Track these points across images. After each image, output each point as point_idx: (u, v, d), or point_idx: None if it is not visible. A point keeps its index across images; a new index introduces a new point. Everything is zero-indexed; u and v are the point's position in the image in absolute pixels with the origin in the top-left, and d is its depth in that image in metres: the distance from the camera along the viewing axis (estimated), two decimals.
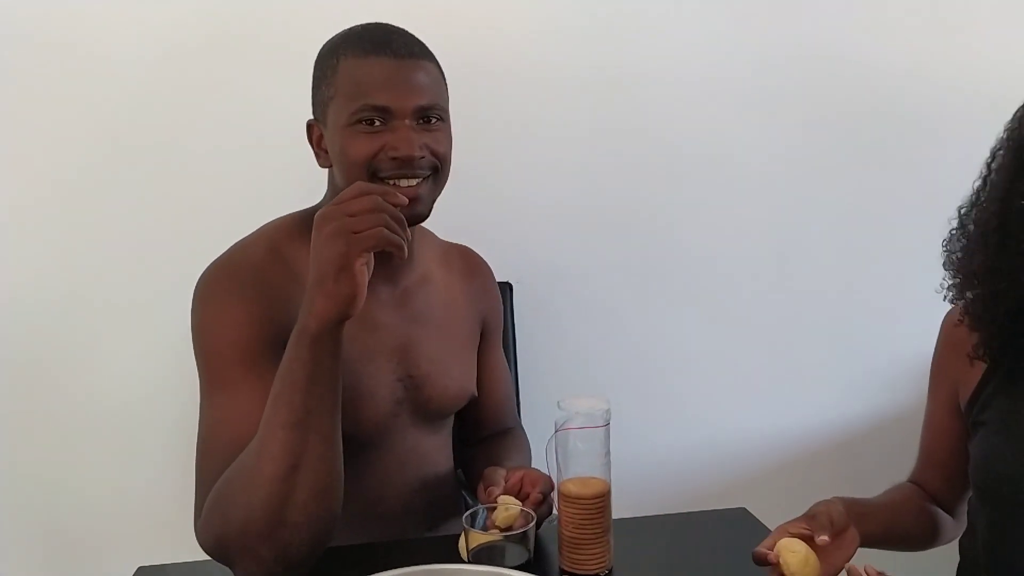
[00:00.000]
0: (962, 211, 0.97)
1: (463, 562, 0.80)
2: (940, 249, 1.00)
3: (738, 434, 1.49)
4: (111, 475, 1.34)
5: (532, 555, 0.81)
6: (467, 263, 1.12)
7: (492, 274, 1.16)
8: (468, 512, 0.83)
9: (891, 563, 0.95)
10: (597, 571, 0.85)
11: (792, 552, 0.77)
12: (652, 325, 1.48)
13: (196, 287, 0.91)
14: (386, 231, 0.73)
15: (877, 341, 1.56)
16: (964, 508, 1.02)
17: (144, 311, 1.33)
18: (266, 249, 0.92)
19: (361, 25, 0.93)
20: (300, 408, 0.74)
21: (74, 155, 1.29)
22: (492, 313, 1.14)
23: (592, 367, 1.45)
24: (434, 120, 0.91)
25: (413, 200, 0.87)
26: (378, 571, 0.62)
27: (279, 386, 0.75)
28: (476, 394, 1.08)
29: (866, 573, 0.77)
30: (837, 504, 0.86)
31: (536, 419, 1.19)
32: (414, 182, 0.89)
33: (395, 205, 0.76)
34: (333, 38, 0.93)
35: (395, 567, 0.63)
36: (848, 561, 0.84)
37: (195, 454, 0.85)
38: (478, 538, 0.80)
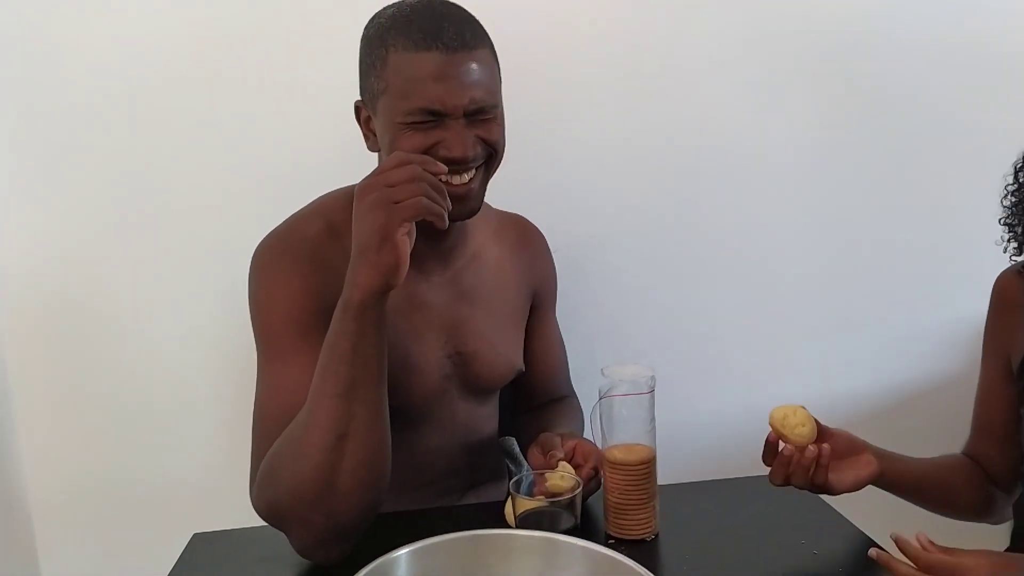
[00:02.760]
0: (1018, 166, 0.94)
1: (509, 528, 0.82)
2: (991, 207, 0.97)
3: (783, 400, 1.47)
4: (166, 441, 1.37)
5: (579, 521, 0.81)
6: (520, 234, 1.11)
7: (546, 243, 1.15)
8: (513, 479, 0.84)
9: (945, 532, 0.94)
10: (643, 536, 0.85)
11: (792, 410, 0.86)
12: (695, 293, 1.46)
13: (252, 258, 0.92)
14: (426, 200, 0.73)
15: (925, 304, 1.52)
16: (1017, 483, 1.00)
17: (194, 280, 1.34)
18: (321, 223, 0.92)
19: (410, 5, 0.88)
20: (346, 378, 0.74)
21: (111, 126, 1.30)
22: (544, 283, 1.14)
23: (636, 335, 1.44)
24: (487, 114, 0.88)
25: (465, 196, 0.88)
26: (425, 537, 0.63)
27: (325, 357, 0.76)
28: (523, 369, 1.08)
29: (917, 541, 0.76)
30: (855, 437, 0.90)
31: (580, 388, 1.19)
32: (467, 177, 0.88)
33: (435, 174, 0.75)
34: (381, 18, 0.89)
35: (442, 533, 0.64)
36: (858, 482, 0.87)
37: (251, 421, 0.87)
38: (525, 504, 0.81)
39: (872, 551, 0.77)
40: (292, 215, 0.95)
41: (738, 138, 1.43)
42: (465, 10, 0.90)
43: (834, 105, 1.45)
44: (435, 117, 0.84)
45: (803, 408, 0.88)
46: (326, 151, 1.30)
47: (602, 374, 0.86)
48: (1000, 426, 0.99)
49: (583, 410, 1.16)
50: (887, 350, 1.54)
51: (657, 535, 0.87)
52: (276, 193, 1.29)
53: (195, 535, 0.90)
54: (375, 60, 0.87)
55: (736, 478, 1.02)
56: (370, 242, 0.73)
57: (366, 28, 0.91)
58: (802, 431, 0.85)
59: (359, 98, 0.93)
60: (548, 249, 1.16)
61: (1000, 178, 0.98)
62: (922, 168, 1.48)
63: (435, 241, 0.94)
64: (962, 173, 1.47)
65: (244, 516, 0.86)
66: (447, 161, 0.82)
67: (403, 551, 0.61)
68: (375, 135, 0.92)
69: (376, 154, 0.95)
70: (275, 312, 0.88)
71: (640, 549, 0.84)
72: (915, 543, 0.76)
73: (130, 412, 1.36)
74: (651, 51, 1.39)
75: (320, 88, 1.30)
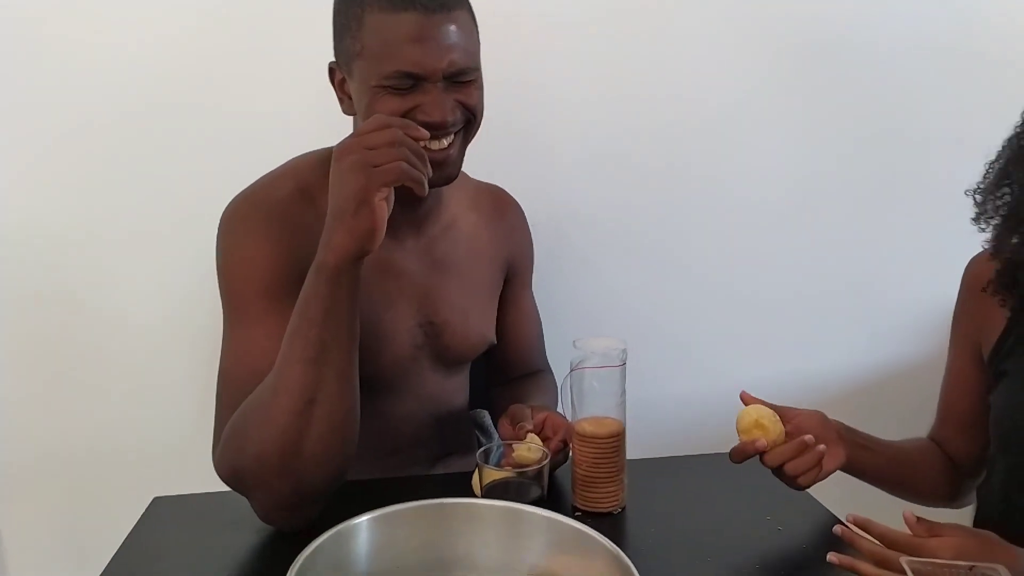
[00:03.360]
0: (1001, 158, 0.94)
1: (476, 497, 0.81)
2: (963, 195, 0.96)
3: (753, 379, 1.48)
4: (127, 405, 1.35)
5: (545, 493, 0.81)
6: (496, 204, 1.09)
7: (522, 215, 1.13)
8: (482, 449, 0.83)
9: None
10: (610, 509, 0.85)
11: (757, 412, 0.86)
12: (670, 269, 1.45)
13: (221, 220, 0.89)
14: (405, 165, 0.71)
15: (895, 289, 1.54)
16: (981, 469, 1.01)
17: (162, 243, 1.31)
18: (292, 185, 0.90)
19: None
20: (316, 343, 0.73)
21: (95, 92, 1.26)
22: (520, 255, 1.12)
23: (609, 309, 1.43)
24: (467, 76, 0.85)
25: (443, 162, 0.86)
26: (390, 504, 0.62)
27: (296, 321, 0.74)
28: (495, 341, 1.07)
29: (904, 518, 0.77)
30: (827, 420, 0.90)
31: (553, 362, 1.19)
32: (445, 142, 0.86)
33: (416, 139, 0.73)
34: None
35: (407, 501, 0.63)
36: (821, 476, 0.85)
37: (215, 385, 0.85)
38: (492, 475, 0.80)
39: (837, 527, 0.77)
40: (261, 177, 0.92)
41: (714, 121, 1.42)
42: None
43: (808, 88, 1.44)
44: (413, 80, 0.82)
45: (769, 411, 0.87)
46: (307, 131, 1.27)
47: (574, 346, 0.85)
48: (966, 412, 1.00)
49: (557, 384, 1.16)
50: (856, 332, 1.55)
51: (624, 508, 0.87)
52: (249, 156, 1.26)
53: (155, 498, 0.88)
54: (350, 20, 0.84)
55: (703, 454, 1.02)
56: (347, 206, 0.71)
57: None
58: (771, 437, 0.85)
59: (332, 60, 0.90)
60: (525, 221, 1.14)
61: (976, 163, 0.98)
62: (896, 150, 1.49)
63: (410, 207, 0.92)
64: (937, 156, 1.48)
65: (205, 480, 0.85)
66: (425, 126, 0.79)
67: (364, 518, 0.60)
68: (350, 98, 0.89)
69: (352, 118, 0.92)
70: (243, 275, 0.85)
71: (607, 522, 0.84)
72: (879, 524, 0.76)
73: (91, 377, 1.33)
74: (636, 34, 1.37)
75: (298, 60, 1.27)
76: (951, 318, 1.03)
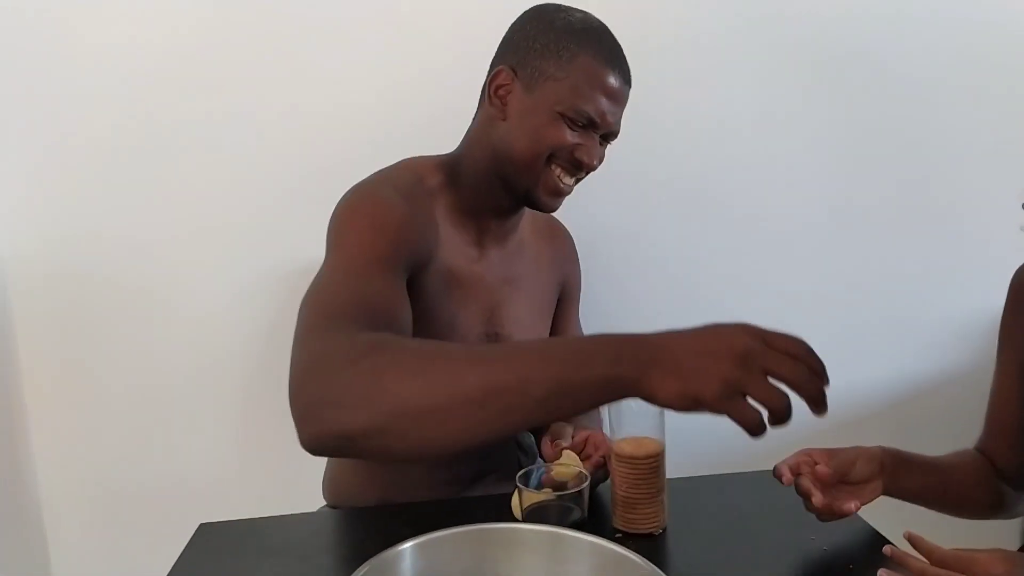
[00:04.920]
0: None
1: (516, 521, 0.81)
2: (1012, 198, 0.94)
3: (794, 394, 1.46)
4: (173, 435, 1.37)
5: (586, 514, 0.81)
6: (551, 227, 1.14)
7: (572, 240, 1.18)
8: (522, 472, 0.83)
9: (955, 530, 0.93)
10: (651, 530, 0.85)
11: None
12: (707, 283, 1.45)
13: (342, 198, 0.89)
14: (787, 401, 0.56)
15: (942, 296, 1.51)
16: None
17: (203, 274, 1.34)
18: (413, 177, 0.93)
19: (598, 23, 0.94)
20: (517, 391, 0.58)
21: (126, 108, 1.29)
22: (571, 278, 1.17)
23: (646, 327, 1.43)
24: (609, 140, 0.97)
25: (563, 196, 0.95)
26: (431, 529, 0.62)
27: (535, 359, 0.60)
28: None
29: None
30: (875, 455, 0.89)
31: None
32: (571, 182, 0.95)
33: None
34: (571, 17, 0.92)
35: (448, 526, 0.63)
36: (856, 506, 0.84)
37: (303, 310, 0.73)
38: (532, 497, 0.80)
39: (887, 548, 0.76)
40: (376, 172, 0.94)
41: (749, 130, 1.42)
42: None
43: (848, 94, 1.43)
44: (587, 123, 0.91)
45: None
46: (348, 137, 1.31)
47: None
48: (1014, 423, 0.97)
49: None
50: (902, 341, 1.52)
51: (665, 529, 0.86)
52: (297, 178, 1.29)
53: (201, 525, 0.90)
54: (561, 49, 0.90)
55: (745, 472, 1.01)
56: (708, 369, 0.55)
57: (547, 14, 0.93)
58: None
59: (502, 63, 0.93)
60: (574, 245, 1.18)
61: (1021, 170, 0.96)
62: (937, 158, 1.47)
63: (502, 219, 0.99)
64: (980, 164, 1.45)
65: (251, 508, 0.86)
66: (578, 164, 0.92)
67: (408, 544, 0.60)
68: (504, 103, 0.92)
69: (483, 127, 0.95)
70: (368, 224, 0.84)
71: (648, 544, 0.83)
72: (928, 541, 0.75)
73: (136, 406, 1.36)
74: (656, 48, 1.37)
75: (341, 76, 1.30)
76: (997, 328, 1.01)
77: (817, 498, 0.82)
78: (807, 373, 0.57)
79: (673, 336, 0.59)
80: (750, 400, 0.56)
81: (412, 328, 0.83)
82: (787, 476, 0.84)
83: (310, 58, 1.31)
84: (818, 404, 0.57)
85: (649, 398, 0.58)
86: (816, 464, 0.85)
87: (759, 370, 0.56)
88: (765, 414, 0.56)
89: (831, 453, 0.88)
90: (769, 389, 0.55)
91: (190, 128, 1.30)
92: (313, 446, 0.62)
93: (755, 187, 1.44)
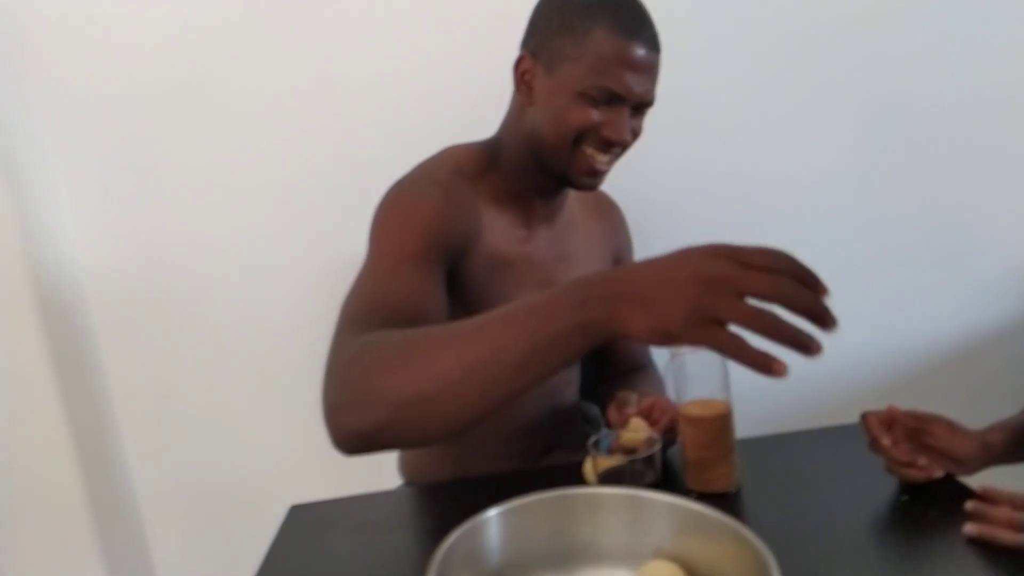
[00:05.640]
0: None
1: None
2: None
3: (859, 348, 1.44)
4: (259, 419, 1.44)
5: (659, 476, 0.82)
6: (600, 202, 1.14)
7: (622, 213, 1.18)
8: (592, 439, 0.85)
9: None
10: (725, 490, 0.86)
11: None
12: (765, 241, 1.43)
13: (385, 194, 0.91)
14: (781, 321, 0.50)
15: (991, 250, 1.47)
16: None
17: (282, 258, 1.39)
18: (452, 166, 0.95)
19: None
20: (493, 360, 0.60)
21: (192, 107, 1.35)
22: (623, 251, 1.17)
23: None
24: (644, 109, 0.93)
25: (601, 174, 0.94)
26: (510, 499, 0.65)
27: (500, 324, 0.61)
28: None
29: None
30: (987, 445, 0.84)
31: (655, 350, 1.20)
32: (606, 160, 0.92)
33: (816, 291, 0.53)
34: None
35: (526, 494, 0.65)
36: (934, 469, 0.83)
37: (339, 314, 0.78)
38: (604, 463, 0.82)
39: (969, 504, 0.75)
40: (419, 164, 0.97)
41: (812, 78, 1.39)
42: None
43: (899, 28, 1.39)
44: (611, 98, 0.88)
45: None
46: (393, 127, 1.34)
47: None
48: None
49: (662, 377, 1.17)
50: (961, 294, 1.48)
51: (739, 488, 0.87)
52: (367, 171, 1.32)
53: (292, 507, 0.94)
54: (575, 27, 0.88)
55: (816, 428, 1.01)
56: (672, 297, 0.52)
57: None
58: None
59: (525, 48, 0.94)
60: (623, 216, 1.18)
61: None
62: (1006, 106, 1.41)
63: (547, 199, 0.99)
64: None
65: (331, 490, 0.90)
66: (607, 142, 0.89)
67: (493, 512, 0.63)
68: (530, 87, 0.93)
69: (516, 113, 0.96)
70: (398, 224, 0.87)
71: (722, 503, 0.84)
72: (1003, 489, 0.74)
73: (216, 397, 1.43)
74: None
75: (382, 68, 1.33)
76: None
77: (885, 441, 0.82)
78: (793, 285, 0.50)
79: (637, 267, 0.56)
80: (734, 328, 0.50)
81: (448, 318, 0.87)
82: (874, 425, 0.84)
83: (349, 51, 1.33)
84: (818, 318, 0.50)
85: (624, 336, 0.55)
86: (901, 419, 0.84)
87: (732, 291, 0.50)
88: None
89: (919, 419, 0.84)
90: (744, 309, 0.50)
91: (245, 130, 1.35)
92: (342, 447, 0.67)
93: (806, 136, 1.42)
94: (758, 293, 0.50)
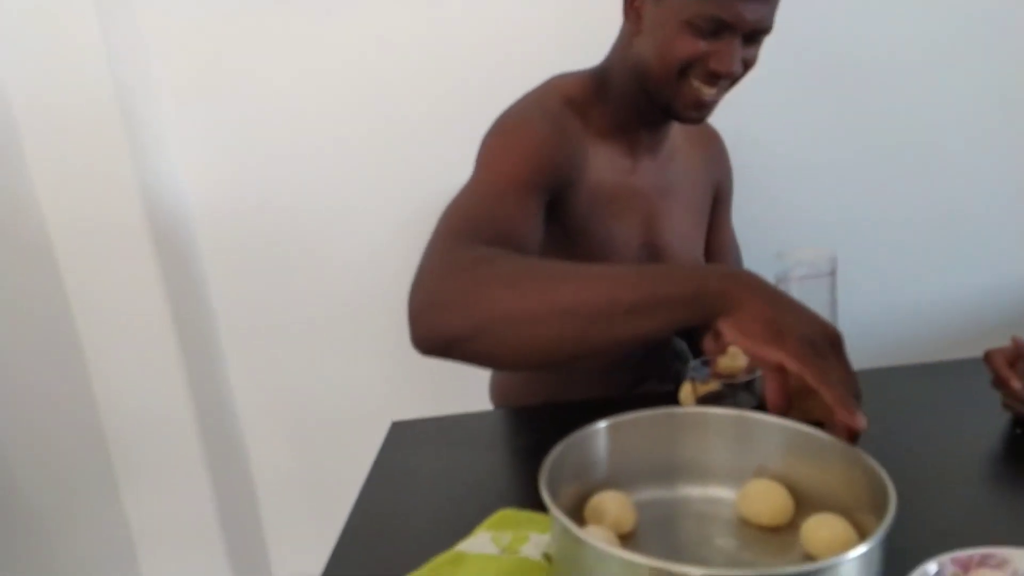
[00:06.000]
0: None
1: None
2: None
3: (970, 284, 1.37)
4: (356, 345, 1.49)
5: (758, 403, 0.82)
6: (702, 131, 1.11)
7: (722, 141, 1.15)
8: (689, 364, 0.85)
9: None
10: (825, 419, 0.84)
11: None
12: (874, 176, 1.38)
13: (487, 133, 0.91)
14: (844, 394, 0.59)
15: None
16: None
17: (379, 198, 1.43)
18: (561, 98, 0.94)
19: None
20: (605, 305, 0.63)
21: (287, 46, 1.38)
22: (724, 180, 1.15)
23: (815, 220, 1.39)
24: (760, 36, 0.88)
25: (709, 106, 0.91)
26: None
27: (616, 273, 0.65)
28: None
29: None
30: None
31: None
32: (714, 92, 0.89)
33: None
34: None
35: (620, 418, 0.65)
36: None
37: (438, 224, 0.78)
38: (703, 388, 0.82)
39: None
40: (525, 95, 0.96)
41: (917, 26, 1.30)
42: None
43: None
44: (720, 27, 0.84)
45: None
46: (496, 59, 1.33)
47: (777, 258, 0.84)
48: None
49: None
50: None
51: None
52: (468, 105, 1.32)
53: (394, 423, 0.98)
54: None
55: (925, 363, 0.97)
56: (788, 321, 0.61)
57: None
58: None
59: None
60: (725, 147, 1.15)
61: None
62: None
63: (653, 130, 0.97)
64: None
65: (435, 408, 0.93)
66: (714, 74, 0.86)
67: (602, 424, 0.64)
68: (639, 17, 0.90)
69: (624, 41, 0.93)
70: (506, 150, 0.86)
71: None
72: None
73: (321, 323, 1.49)
74: None
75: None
76: None
77: (1016, 384, 0.78)
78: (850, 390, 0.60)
79: (769, 290, 0.63)
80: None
81: (550, 250, 0.89)
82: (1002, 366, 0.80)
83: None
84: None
85: (721, 324, 0.63)
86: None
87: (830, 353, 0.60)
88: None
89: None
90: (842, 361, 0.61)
91: (348, 69, 1.38)
92: (422, 346, 0.69)
93: (915, 79, 1.33)
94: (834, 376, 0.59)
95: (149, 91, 1.38)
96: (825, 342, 0.61)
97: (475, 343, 0.66)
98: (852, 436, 0.59)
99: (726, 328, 0.63)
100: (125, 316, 1.40)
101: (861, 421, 0.58)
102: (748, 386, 0.82)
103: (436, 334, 0.68)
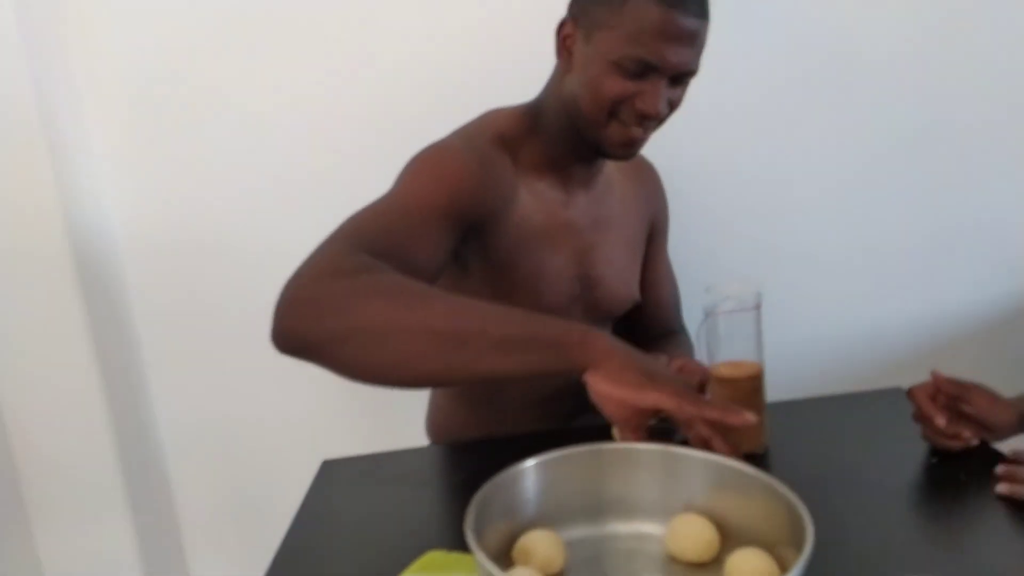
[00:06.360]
0: None
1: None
2: None
3: (891, 315, 1.43)
4: (289, 375, 1.43)
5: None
6: (638, 166, 1.13)
7: (659, 176, 1.17)
8: None
9: None
10: (753, 450, 0.86)
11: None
12: (799, 210, 1.43)
13: (418, 153, 0.90)
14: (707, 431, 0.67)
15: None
16: None
17: (316, 216, 1.37)
18: (492, 132, 0.94)
19: None
20: (464, 337, 0.66)
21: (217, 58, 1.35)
22: (659, 215, 1.16)
23: (741, 254, 1.43)
24: (686, 80, 0.90)
25: (635, 144, 0.92)
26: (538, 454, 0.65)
27: (483, 310, 0.68)
28: (639, 299, 1.11)
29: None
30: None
31: (687, 310, 1.20)
32: (642, 132, 0.90)
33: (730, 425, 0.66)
34: None
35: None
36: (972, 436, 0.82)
37: (338, 227, 0.78)
38: None
39: (999, 468, 0.75)
40: (456, 130, 0.96)
41: (842, 64, 1.37)
42: None
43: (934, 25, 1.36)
44: (646, 69, 0.85)
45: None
46: (428, 91, 1.32)
47: (706, 292, 0.86)
48: None
49: (692, 343, 1.17)
50: (1003, 259, 1.47)
51: (768, 450, 0.87)
52: (406, 134, 1.29)
53: (324, 462, 0.96)
54: None
55: (846, 393, 1.01)
56: (633, 378, 0.65)
57: None
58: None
59: (568, 14, 0.92)
60: (661, 182, 1.17)
61: None
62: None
63: (586, 164, 0.98)
64: None
65: (366, 448, 0.91)
66: (641, 114, 0.87)
67: (530, 463, 0.64)
68: (570, 54, 0.91)
69: (556, 78, 0.95)
70: (426, 177, 0.85)
71: (751, 464, 0.84)
72: None
73: (253, 347, 1.43)
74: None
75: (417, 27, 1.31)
76: None
77: (940, 421, 0.81)
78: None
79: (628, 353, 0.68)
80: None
81: (477, 282, 0.92)
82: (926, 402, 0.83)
83: (392, 6, 1.31)
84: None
85: (580, 374, 0.67)
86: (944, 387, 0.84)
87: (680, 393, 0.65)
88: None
89: (958, 386, 0.84)
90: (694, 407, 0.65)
91: (282, 91, 1.35)
92: (280, 341, 0.69)
93: (841, 112, 1.40)
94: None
95: (74, 110, 1.33)
96: (690, 385, 0.66)
97: (336, 349, 0.66)
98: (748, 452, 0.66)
99: (595, 380, 0.66)
100: (41, 345, 1.33)
101: (749, 416, 0.64)
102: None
103: (298, 333, 0.67)
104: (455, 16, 1.32)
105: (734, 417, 0.64)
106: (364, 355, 0.66)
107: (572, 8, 0.91)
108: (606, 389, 0.66)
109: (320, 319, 0.66)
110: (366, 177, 1.30)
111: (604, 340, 0.67)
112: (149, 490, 1.49)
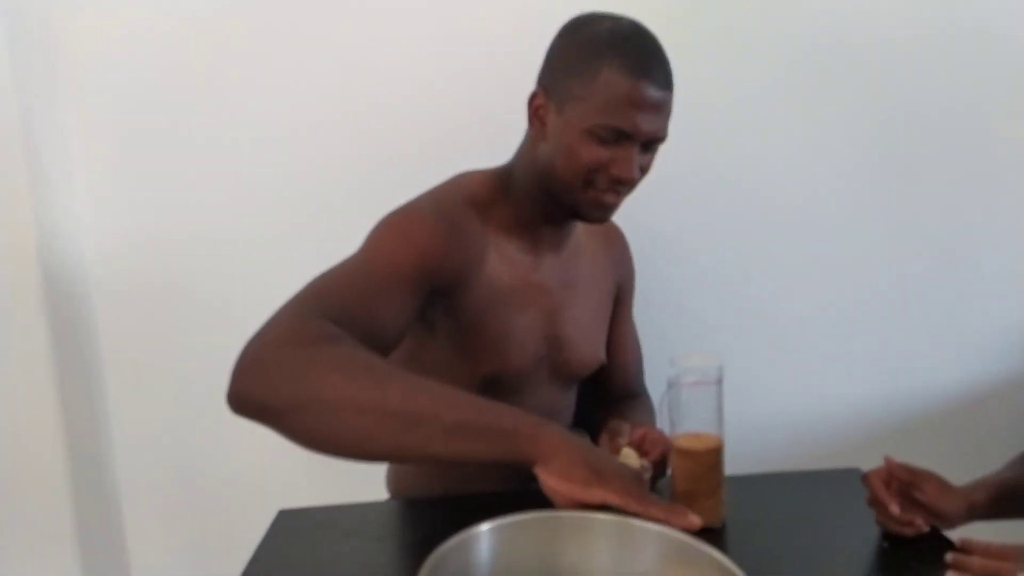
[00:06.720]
0: None
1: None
2: None
3: (851, 395, 1.46)
4: (249, 424, 1.43)
5: None
6: (607, 230, 1.15)
7: (626, 241, 1.20)
8: None
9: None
10: (710, 524, 0.86)
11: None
12: (763, 287, 1.46)
13: (387, 215, 0.91)
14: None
15: (994, 304, 1.49)
16: None
17: (282, 258, 1.40)
18: (462, 195, 0.95)
19: (628, 28, 0.90)
20: (419, 423, 0.67)
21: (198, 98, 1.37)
22: (626, 279, 1.19)
23: (705, 328, 1.45)
24: (655, 146, 0.93)
25: (610, 209, 0.95)
26: (495, 516, 0.65)
27: (438, 392, 0.68)
28: (605, 361, 1.12)
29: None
30: (971, 502, 0.86)
31: (650, 380, 1.21)
32: (615, 197, 0.93)
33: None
34: (597, 28, 0.90)
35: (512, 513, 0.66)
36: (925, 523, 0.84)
37: (301, 289, 0.79)
38: None
39: (949, 556, 0.77)
40: (425, 192, 0.97)
41: (801, 135, 1.42)
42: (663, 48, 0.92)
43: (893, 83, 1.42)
44: (619, 136, 0.89)
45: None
46: (406, 144, 1.36)
47: (670, 364, 0.88)
48: None
49: (655, 407, 1.18)
50: (962, 346, 1.51)
51: (724, 524, 0.88)
52: (378, 168, 1.32)
53: (280, 511, 0.95)
54: (584, 67, 0.89)
55: (805, 471, 1.02)
56: (583, 471, 0.66)
57: (574, 29, 0.93)
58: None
59: (539, 84, 0.95)
60: (628, 246, 1.20)
61: None
62: (1002, 166, 1.44)
63: (556, 228, 1.00)
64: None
65: (317, 500, 0.90)
66: (616, 180, 0.90)
67: (485, 527, 0.63)
68: (543, 123, 0.94)
69: (529, 145, 0.97)
70: (394, 242, 0.87)
71: (707, 537, 0.84)
72: (981, 541, 0.75)
73: (214, 394, 1.43)
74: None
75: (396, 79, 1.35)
76: None
77: (894, 508, 0.82)
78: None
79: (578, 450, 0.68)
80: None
81: (445, 343, 0.93)
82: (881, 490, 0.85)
83: (367, 47, 1.35)
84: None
85: (533, 466, 0.69)
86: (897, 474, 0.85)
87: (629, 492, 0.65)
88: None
89: (913, 474, 0.86)
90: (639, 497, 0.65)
91: (259, 123, 1.37)
92: (236, 403, 0.69)
93: (807, 191, 1.45)
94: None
95: (58, 138, 1.34)
96: (637, 479, 0.67)
97: (291, 417, 0.67)
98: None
99: (544, 475, 0.67)
100: (2, 376, 1.31)
101: (695, 519, 0.65)
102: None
103: (254, 397, 0.68)
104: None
105: (679, 520, 0.64)
106: (317, 427, 0.67)
107: (542, 80, 0.95)
108: (554, 484, 0.67)
109: (276, 387, 0.67)
110: (339, 235, 1.33)
111: (555, 435, 0.68)
112: (101, 530, 1.45)
